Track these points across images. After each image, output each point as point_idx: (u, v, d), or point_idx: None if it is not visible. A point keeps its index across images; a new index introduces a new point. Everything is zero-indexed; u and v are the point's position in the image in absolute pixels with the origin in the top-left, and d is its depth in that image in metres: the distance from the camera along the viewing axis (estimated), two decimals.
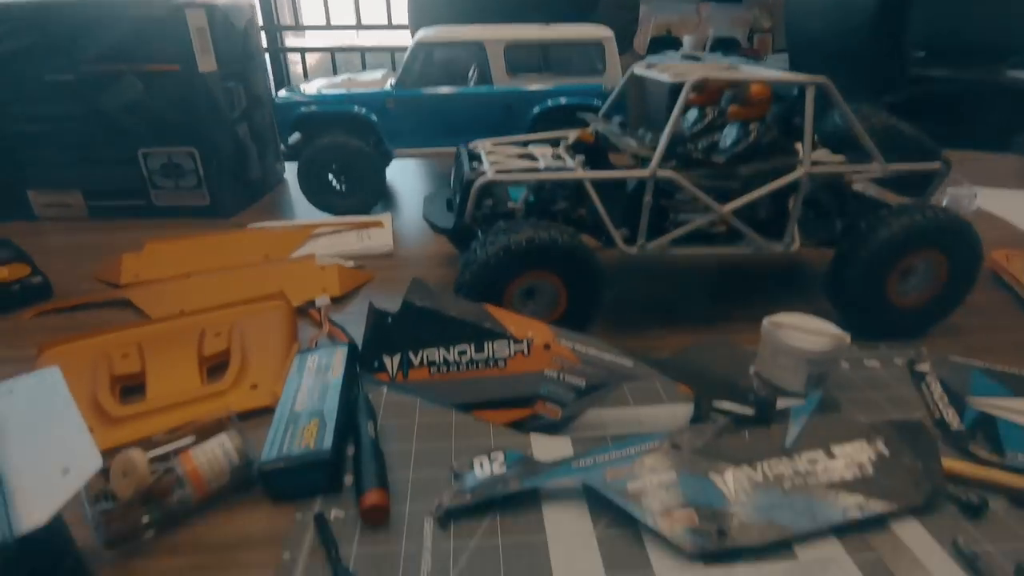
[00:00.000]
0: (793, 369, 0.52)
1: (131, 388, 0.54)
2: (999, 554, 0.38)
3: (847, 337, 0.50)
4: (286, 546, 0.39)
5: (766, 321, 0.54)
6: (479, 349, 0.52)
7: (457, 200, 0.67)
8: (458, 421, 0.51)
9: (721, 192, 0.60)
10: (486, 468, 0.44)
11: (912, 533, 0.39)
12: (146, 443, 0.42)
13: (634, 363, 0.47)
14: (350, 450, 0.46)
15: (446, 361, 0.53)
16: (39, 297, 0.72)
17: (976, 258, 0.60)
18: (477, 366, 0.52)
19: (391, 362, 0.55)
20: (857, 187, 0.70)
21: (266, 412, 0.51)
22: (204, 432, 0.45)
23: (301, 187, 0.98)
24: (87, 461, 0.27)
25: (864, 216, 0.60)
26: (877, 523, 0.40)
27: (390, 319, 0.56)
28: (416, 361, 0.54)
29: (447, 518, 0.41)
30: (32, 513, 0.24)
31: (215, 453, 0.42)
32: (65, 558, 0.26)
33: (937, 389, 0.54)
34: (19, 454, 0.27)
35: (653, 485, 0.41)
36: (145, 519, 0.39)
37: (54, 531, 0.26)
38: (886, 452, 0.43)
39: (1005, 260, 0.77)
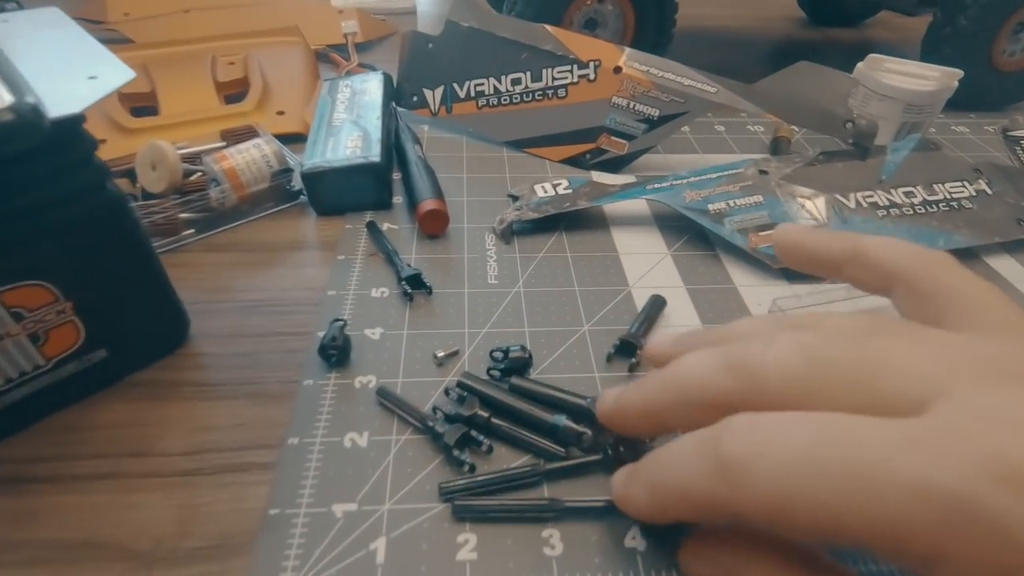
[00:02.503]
0: (886, 117, 0.46)
1: (142, 110, 0.48)
2: None
3: (957, 74, 0.44)
4: (340, 249, 0.36)
5: (861, 63, 0.48)
6: (536, 78, 0.46)
7: None
8: (511, 157, 0.47)
9: None
10: (549, 191, 0.40)
11: (1006, 265, 0.37)
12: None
13: (717, 88, 0.41)
14: (396, 176, 0.42)
15: (497, 92, 0.47)
16: None
17: None
18: (533, 97, 0.46)
19: (433, 96, 0.49)
20: None
21: (297, 140, 0.46)
22: (233, 139, 0.40)
23: None
24: (117, 71, 0.22)
25: None
26: (968, 255, 0.37)
27: (431, 44, 0.48)
28: (462, 93, 0.48)
29: (510, 233, 0.38)
30: (63, 105, 0.20)
31: (251, 155, 0.37)
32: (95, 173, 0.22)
33: None
34: (35, 64, 0.22)
35: (737, 206, 0.37)
36: (184, 215, 0.36)
37: (86, 141, 0.22)
38: (988, 190, 0.39)
39: None
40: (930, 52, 0.56)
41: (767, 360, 0.17)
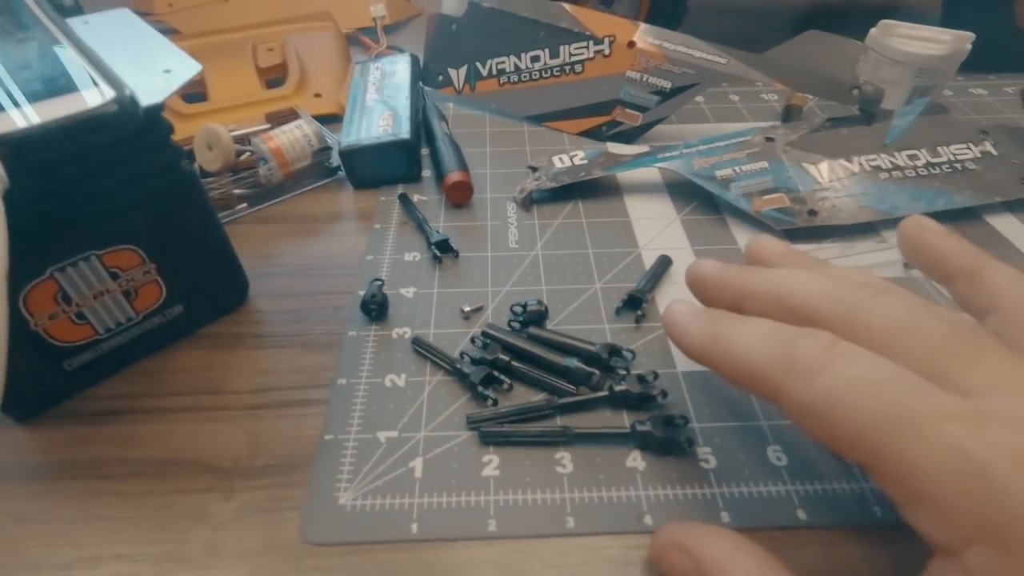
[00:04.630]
0: (897, 82, 0.47)
1: (193, 96, 0.53)
2: None
3: (968, 37, 0.45)
4: (375, 219, 0.40)
5: (874, 29, 0.48)
6: (554, 54, 0.48)
7: None
8: (531, 131, 0.50)
9: None
10: (566, 162, 0.43)
11: (1006, 224, 0.38)
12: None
13: (727, 59, 0.43)
14: (424, 151, 0.46)
15: (517, 69, 0.49)
16: None
17: None
18: (551, 73, 0.49)
19: (457, 75, 0.52)
20: None
21: (333, 120, 0.50)
22: (277, 121, 0.44)
23: None
24: (186, 65, 0.26)
25: None
26: (969, 215, 0.39)
27: (454, 26, 0.51)
28: (484, 71, 0.51)
29: (530, 202, 0.41)
30: (147, 95, 0.24)
31: (294, 135, 0.41)
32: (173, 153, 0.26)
33: None
34: (118, 60, 0.26)
35: (743, 172, 0.39)
36: (237, 191, 0.40)
37: (164, 126, 0.26)
38: (994, 151, 0.41)
39: None
40: (950, 14, 0.56)
41: (874, 303, 0.20)
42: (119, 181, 0.25)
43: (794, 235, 0.38)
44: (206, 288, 0.31)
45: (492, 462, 0.26)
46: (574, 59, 0.48)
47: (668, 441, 0.26)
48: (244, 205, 0.40)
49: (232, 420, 0.28)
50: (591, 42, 0.47)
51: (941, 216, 0.38)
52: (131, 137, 0.23)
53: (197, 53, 0.28)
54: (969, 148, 0.41)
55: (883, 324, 0.19)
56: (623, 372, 0.29)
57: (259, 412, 0.28)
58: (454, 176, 0.40)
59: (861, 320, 0.19)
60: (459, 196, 0.40)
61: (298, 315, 0.33)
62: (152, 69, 0.26)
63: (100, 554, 0.23)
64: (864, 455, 0.18)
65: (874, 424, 0.17)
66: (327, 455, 0.26)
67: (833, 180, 0.39)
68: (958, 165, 0.40)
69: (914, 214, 0.25)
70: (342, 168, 0.43)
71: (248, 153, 0.42)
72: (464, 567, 0.23)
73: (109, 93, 0.22)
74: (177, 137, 0.28)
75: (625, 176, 0.44)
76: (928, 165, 0.40)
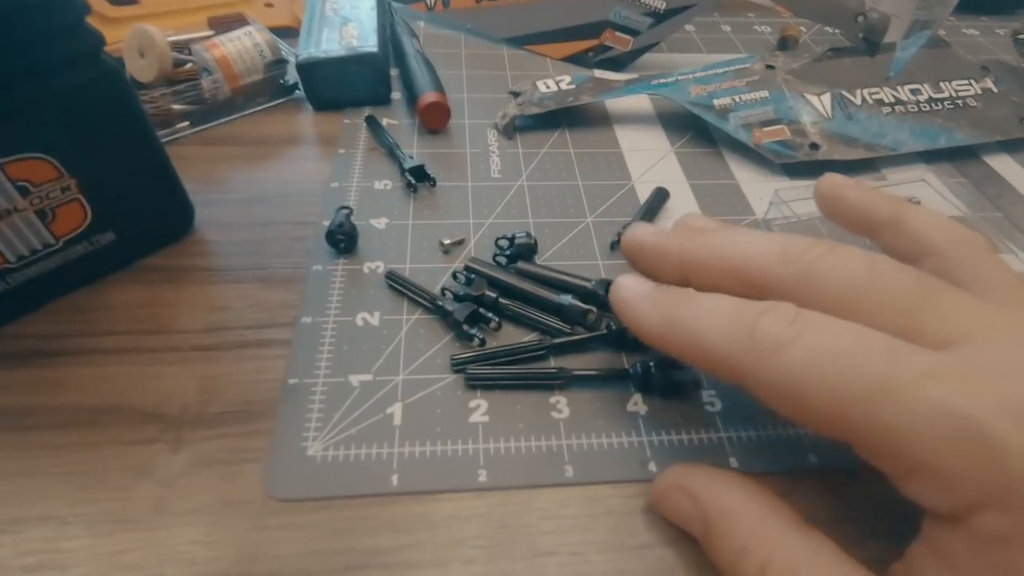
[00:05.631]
0: (898, 13, 0.45)
1: None
2: None
3: None
4: (340, 143, 0.35)
5: None
6: None
7: None
8: (511, 54, 0.45)
9: None
10: (552, 87, 0.39)
11: (1004, 164, 0.37)
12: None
13: None
14: (394, 72, 0.41)
15: None
16: None
17: None
18: None
19: None
20: None
21: (287, 34, 0.44)
22: (222, 27, 0.38)
23: None
24: None
25: None
26: (967, 153, 0.37)
27: None
28: None
29: (513, 129, 0.37)
30: None
31: (243, 43, 0.36)
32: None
33: None
34: None
35: (742, 101, 0.37)
36: (177, 106, 0.35)
37: (76, 2, 0.21)
38: (994, 88, 0.39)
39: None
40: None
41: (829, 260, 0.18)
42: (18, 71, 0.20)
43: (794, 170, 0.35)
44: (142, 213, 0.27)
45: (480, 407, 0.23)
46: None
47: (672, 383, 0.24)
48: (186, 124, 0.35)
49: (179, 363, 0.24)
50: None
51: (941, 154, 0.37)
52: (34, 10, 0.19)
53: None
54: (971, 84, 0.39)
55: (842, 281, 0.18)
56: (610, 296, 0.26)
57: (211, 354, 0.25)
58: (429, 97, 0.35)
59: (820, 280, 0.18)
60: (435, 119, 0.36)
61: (254, 247, 0.29)
62: None
63: (23, 516, 0.20)
64: (846, 431, 0.16)
65: (851, 397, 0.15)
66: (292, 401, 0.23)
67: (835, 112, 0.37)
68: (959, 102, 0.38)
69: (833, 174, 0.24)
70: (300, 85, 0.38)
71: (189, 64, 0.36)
72: (452, 521, 0.20)
73: None
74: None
75: (614, 105, 0.40)
76: (930, 100, 0.38)
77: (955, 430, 0.14)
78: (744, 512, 0.18)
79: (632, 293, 0.21)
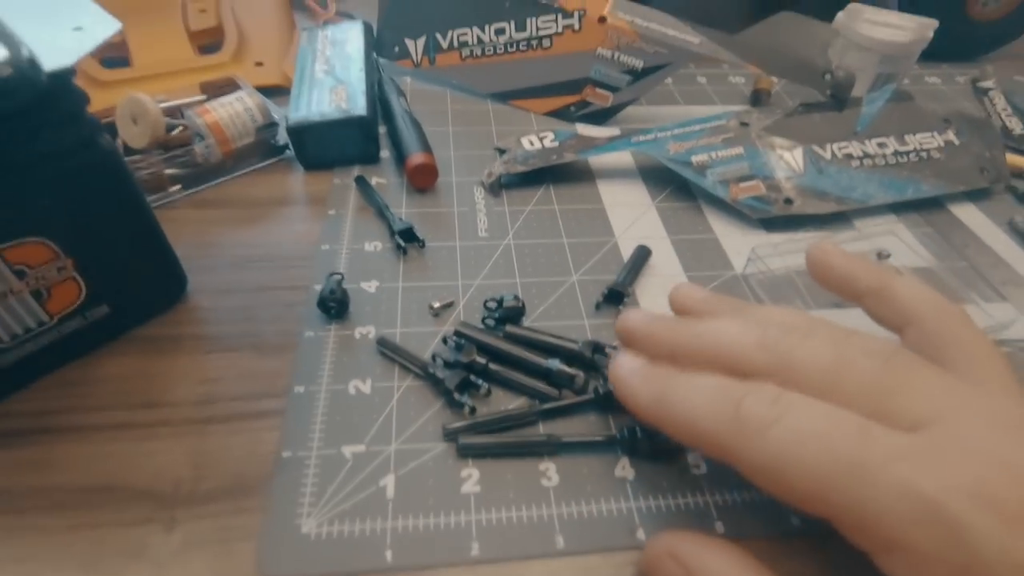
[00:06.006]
0: (863, 68, 0.47)
1: (112, 61, 0.46)
2: None
3: (932, 25, 0.45)
4: (330, 204, 0.36)
5: (841, 13, 0.48)
6: (520, 27, 0.45)
7: None
8: (496, 109, 0.47)
9: None
10: (536, 144, 0.40)
11: (968, 213, 0.39)
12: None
13: (700, 39, 0.42)
14: (382, 130, 0.42)
15: (480, 42, 0.46)
16: None
17: None
18: (518, 47, 0.46)
19: (415, 46, 0.48)
20: None
21: (278, 92, 0.45)
22: (214, 92, 0.39)
23: None
24: (102, 22, 0.22)
25: None
26: (934, 204, 0.39)
27: None
28: (445, 44, 0.47)
29: (499, 186, 0.38)
30: (53, 57, 0.20)
31: (235, 108, 0.37)
32: (84, 120, 0.22)
33: (1000, 101, 0.51)
34: (13, 14, 0.21)
35: (719, 158, 0.38)
36: (169, 171, 0.36)
37: (76, 94, 0.21)
38: (956, 140, 0.41)
39: None
40: (907, 1, 0.56)
41: (802, 351, 0.19)
42: (20, 161, 0.21)
43: (770, 223, 0.37)
44: (136, 284, 0.27)
45: (472, 477, 0.24)
46: (542, 33, 0.45)
47: (658, 447, 0.24)
48: (178, 187, 0.36)
49: (172, 437, 0.25)
50: (560, 15, 0.44)
51: (908, 205, 0.39)
52: (33, 108, 0.19)
53: (116, 10, 0.23)
54: (934, 136, 0.41)
55: (816, 369, 0.19)
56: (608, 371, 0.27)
57: (203, 427, 0.25)
58: (417, 158, 0.37)
59: (797, 367, 0.19)
60: (423, 180, 0.37)
61: (245, 313, 0.30)
62: (60, 26, 0.22)
63: None
64: (825, 509, 0.17)
65: (827, 476, 0.16)
66: (285, 475, 0.23)
67: (808, 167, 0.38)
68: (924, 154, 0.40)
69: (823, 242, 0.26)
70: (290, 147, 0.39)
71: (181, 128, 0.37)
72: None
73: (2, 54, 0.18)
74: (95, 108, 0.24)
75: (597, 160, 0.42)
76: (896, 153, 0.40)
77: (920, 512, 0.15)
78: None
79: (625, 371, 0.22)
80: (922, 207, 0.39)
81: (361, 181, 0.37)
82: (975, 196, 0.40)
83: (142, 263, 0.27)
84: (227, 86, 0.40)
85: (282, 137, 0.39)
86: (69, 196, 0.23)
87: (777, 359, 0.19)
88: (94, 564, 0.21)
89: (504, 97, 0.47)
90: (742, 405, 0.18)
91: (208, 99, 0.38)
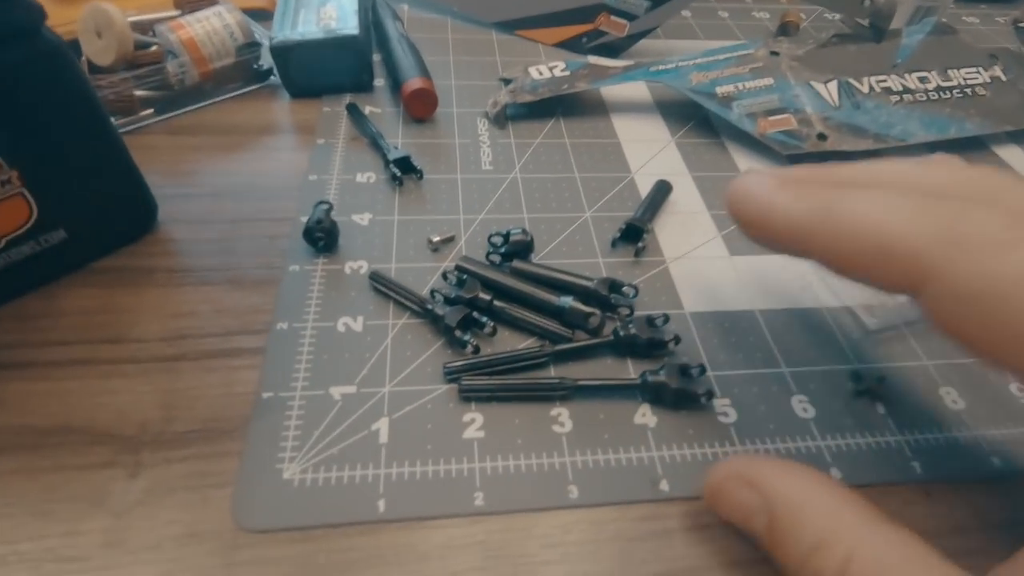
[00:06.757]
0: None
1: None
2: None
3: None
4: (319, 133, 0.33)
5: None
6: None
7: None
8: (500, 40, 0.43)
9: None
10: (545, 73, 0.37)
11: (1014, 155, 0.36)
12: None
13: None
14: (376, 57, 0.38)
15: None
16: None
17: None
18: None
19: None
20: None
21: (261, 16, 0.41)
22: (189, 7, 0.35)
23: None
24: None
25: None
26: (977, 144, 0.36)
27: None
28: None
29: (504, 118, 0.35)
30: None
31: (212, 24, 0.33)
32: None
33: None
34: None
35: (746, 89, 0.35)
36: (140, 92, 0.32)
37: None
38: (1003, 77, 0.38)
39: None
40: None
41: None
42: None
43: (800, 161, 0.34)
44: (98, 208, 0.24)
45: (475, 421, 0.21)
46: None
47: (684, 393, 0.22)
48: (150, 111, 0.32)
49: (139, 375, 0.22)
50: None
51: (950, 145, 0.35)
52: None
53: None
54: (979, 72, 0.38)
55: None
56: (626, 311, 0.24)
57: (175, 365, 0.22)
58: (414, 83, 0.33)
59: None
60: (421, 107, 0.34)
61: (223, 245, 0.27)
62: None
63: None
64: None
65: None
66: (266, 417, 0.21)
67: (843, 101, 0.35)
68: (968, 90, 0.37)
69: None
70: (274, 71, 0.35)
71: (154, 46, 0.33)
72: (445, 551, 0.18)
73: None
74: (56, 23, 0.20)
75: (611, 93, 0.38)
76: (939, 89, 0.36)
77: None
78: (818, 503, 0.16)
79: (765, 187, 0.18)
80: (964, 147, 0.36)
81: (353, 109, 0.34)
82: (1019, 138, 0.37)
83: (104, 185, 0.24)
84: (204, 1, 0.36)
85: (266, 61, 0.35)
86: (6, 95, 0.20)
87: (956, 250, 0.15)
88: (48, 511, 0.18)
89: (510, 27, 0.43)
90: (965, 219, 0.15)
91: (182, 14, 0.34)
